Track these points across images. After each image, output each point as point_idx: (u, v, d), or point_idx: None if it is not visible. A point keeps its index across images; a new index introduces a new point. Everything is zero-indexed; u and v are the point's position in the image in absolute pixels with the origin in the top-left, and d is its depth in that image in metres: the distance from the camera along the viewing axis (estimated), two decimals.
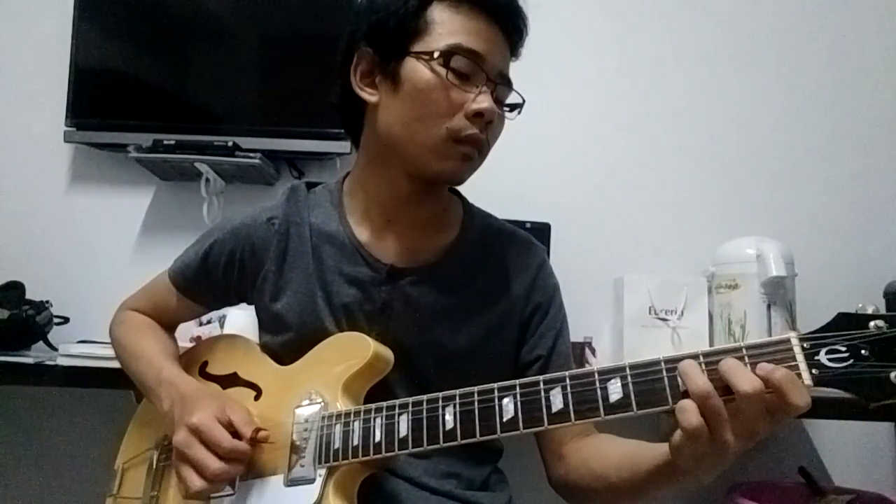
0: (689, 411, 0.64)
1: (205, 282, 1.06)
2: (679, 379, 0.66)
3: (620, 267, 1.72)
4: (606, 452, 0.91)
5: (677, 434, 0.67)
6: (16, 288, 1.58)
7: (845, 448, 1.71)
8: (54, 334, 1.59)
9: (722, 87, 1.84)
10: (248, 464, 0.85)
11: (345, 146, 1.70)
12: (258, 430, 0.86)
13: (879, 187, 1.79)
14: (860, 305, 0.62)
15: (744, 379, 0.62)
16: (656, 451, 0.78)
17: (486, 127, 0.90)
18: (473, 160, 0.92)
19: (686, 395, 0.65)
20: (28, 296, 1.60)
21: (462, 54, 0.87)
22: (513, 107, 0.97)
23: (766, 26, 1.85)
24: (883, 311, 0.61)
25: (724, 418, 0.63)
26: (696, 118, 1.83)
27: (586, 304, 1.65)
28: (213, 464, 0.81)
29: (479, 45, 0.88)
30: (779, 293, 1.50)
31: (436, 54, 0.87)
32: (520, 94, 0.97)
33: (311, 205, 1.02)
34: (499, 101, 0.93)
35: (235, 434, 0.85)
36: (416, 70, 0.88)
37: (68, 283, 1.74)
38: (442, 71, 0.87)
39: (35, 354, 1.47)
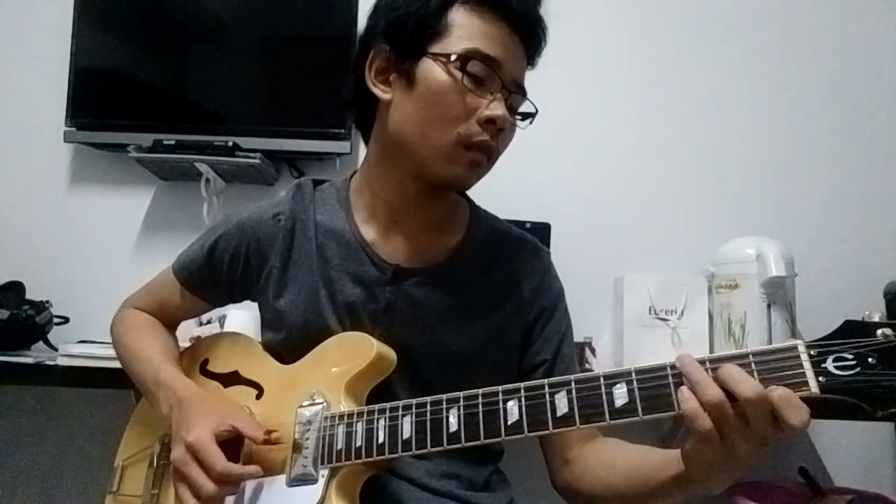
0: (701, 417, 0.63)
1: (209, 277, 1.05)
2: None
3: (620, 267, 1.72)
4: (614, 460, 0.90)
5: (689, 443, 0.68)
6: (16, 288, 1.58)
7: (845, 448, 1.72)
8: (54, 334, 1.59)
9: (722, 88, 1.84)
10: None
11: (345, 146, 1.70)
12: (269, 431, 0.86)
13: (879, 187, 1.79)
14: (867, 313, 0.62)
15: (746, 385, 0.62)
16: (666, 460, 0.78)
17: (498, 134, 0.89)
18: (482, 167, 0.91)
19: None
20: (28, 296, 1.59)
21: (479, 59, 0.87)
22: (525, 115, 0.96)
23: (766, 27, 1.85)
24: (883, 310, 0.61)
25: (735, 425, 0.63)
26: (696, 118, 1.84)
27: (586, 304, 1.64)
28: (207, 485, 0.80)
29: (497, 51, 0.87)
30: (779, 293, 1.50)
31: (453, 57, 0.86)
32: (533, 104, 0.96)
33: (317, 202, 1.02)
34: (511, 109, 0.92)
35: (238, 442, 0.84)
36: (432, 71, 0.87)
37: (68, 283, 1.74)
38: (458, 74, 0.86)
39: (35, 354, 1.47)
